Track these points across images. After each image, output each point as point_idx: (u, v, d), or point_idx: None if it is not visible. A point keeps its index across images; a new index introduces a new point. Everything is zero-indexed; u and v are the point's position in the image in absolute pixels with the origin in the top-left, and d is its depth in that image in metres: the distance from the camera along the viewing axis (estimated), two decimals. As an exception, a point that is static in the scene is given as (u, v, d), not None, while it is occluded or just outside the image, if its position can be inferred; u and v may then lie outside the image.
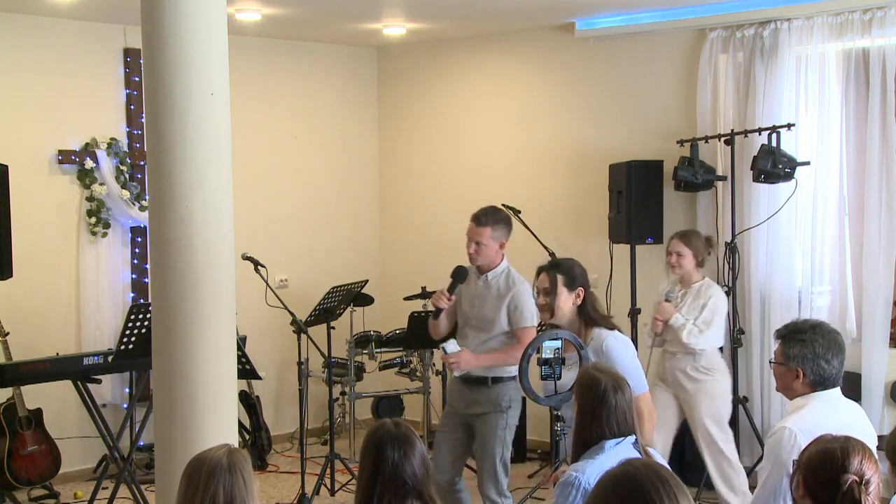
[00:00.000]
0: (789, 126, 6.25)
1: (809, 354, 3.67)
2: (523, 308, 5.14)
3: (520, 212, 7.00)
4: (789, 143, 6.31)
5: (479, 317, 5.20)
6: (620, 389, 3.36)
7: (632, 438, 3.33)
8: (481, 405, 5.20)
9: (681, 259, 5.82)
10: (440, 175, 8.21)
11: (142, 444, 6.75)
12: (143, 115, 4.99)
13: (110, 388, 6.93)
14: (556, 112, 7.64)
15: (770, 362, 3.94)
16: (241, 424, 6.86)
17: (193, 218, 4.16)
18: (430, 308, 5.36)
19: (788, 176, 6.23)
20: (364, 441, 2.99)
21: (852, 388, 6.15)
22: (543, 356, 4.42)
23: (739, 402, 6.54)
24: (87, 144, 6.92)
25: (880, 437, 3.66)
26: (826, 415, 3.60)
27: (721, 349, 5.99)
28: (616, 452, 3.25)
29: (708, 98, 6.77)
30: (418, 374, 7.40)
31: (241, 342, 5.69)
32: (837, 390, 3.75)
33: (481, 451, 5.24)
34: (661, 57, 7.11)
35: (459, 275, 5.22)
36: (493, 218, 5.20)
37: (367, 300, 7.40)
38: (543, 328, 5.68)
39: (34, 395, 6.34)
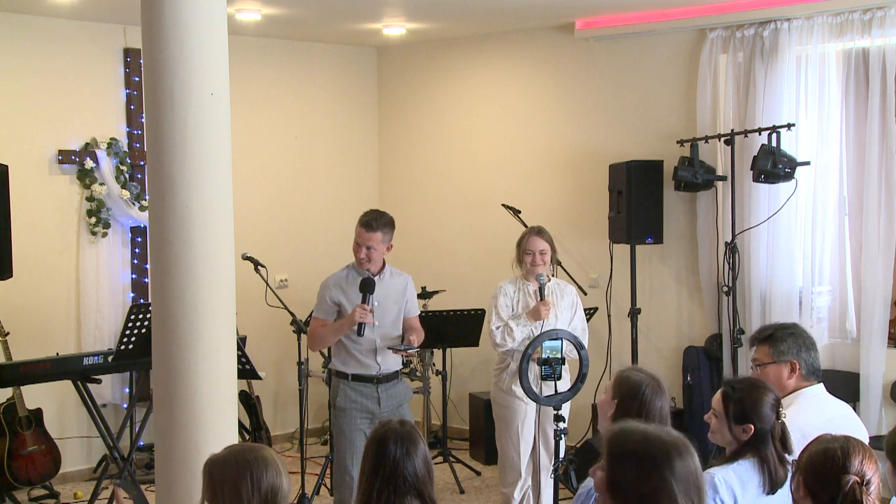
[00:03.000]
0: (789, 126, 6.25)
1: (802, 347, 3.76)
2: (414, 297, 5.50)
3: (520, 212, 7.00)
4: (789, 143, 6.31)
5: (386, 315, 5.29)
6: (659, 393, 3.31)
7: None
8: (399, 398, 5.37)
9: (544, 256, 5.57)
10: (440, 175, 8.21)
11: (142, 444, 6.75)
12: (143, 115, 4.99)
13: (110, 388, 6.92)
14: (556, 112, 7.64)
15: (755, 366, 3.90)
16: (241, 424, 6.86)
17: (193, 218, 4.17)
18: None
19: (788, 176, 6.23)
20: (369, 437, 3.03)
21: (852, 388, 6.16)
22: (543, 356, 4.43)
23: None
24: (87, 144, 6.91)
25: (880, 438, 3.68)
26: (813, 411, 3.65)
27: None
28: None
29: (708, 98, 6.77)
30: (418, 374, 7.39)
31: (241, 342, 5.69)
32: (821, 386, 3.81)
33: None
34: (661, 57, 7.11)
35: (370, 286, 5.19)
36: (382, 221, 5.27)
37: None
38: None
39: (34, 395, 6.33)
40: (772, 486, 3.29)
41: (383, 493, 2.89)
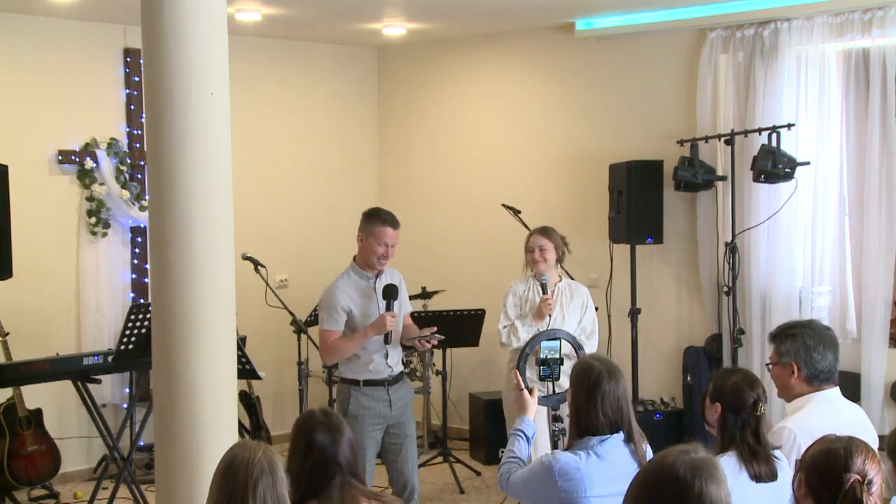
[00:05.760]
0: (789, 126, 6.25)
1: (801, 348, 3.71)
2: (406, 293, 5.41)
3: (520, 212, 6.99)
4: (789, 143, 6.31)
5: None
6: (614, 378, 3.38)
7: (620, 436, 3.35)
8: (406, 399, 5.31)
9: (545, 253, 5.60)
10: (440, 175, 8.21)
11: (142, 444, 6.75)
12: (143, 115, 4.99)
13: (110, 388, 6.92)
14: (556, 112, 7.64)
15: (766, 366, 3.93)
16: (241, 424, 6.85)
17: (193, 218, 4.16)
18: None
19: (788, 176, 6.23)
20: (295, 428, 3.09)
21: (852, 388, 6.15)
22: (541, 356, 4.43)
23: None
24: (87, 144, 6.91)
25: (881, 437, 3.66)
26: (826, 415, 3.61)
27: None
28: (603, 450, 3.31)
29: (708, 98, 6.78)
30: (418, 374, 7.39)
31: (241, 342, 5.69)
32: (837, 390, 3.76)
33: (412, 446, 5.32)
34: (661, 57, 7.11)
35: (394, 292, 5.11)
36: (397, 219, 5.25)
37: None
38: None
39: (34, 395, 6.33)
40: (754, 476, 3.34)
41: (314, 480, 2.96)
